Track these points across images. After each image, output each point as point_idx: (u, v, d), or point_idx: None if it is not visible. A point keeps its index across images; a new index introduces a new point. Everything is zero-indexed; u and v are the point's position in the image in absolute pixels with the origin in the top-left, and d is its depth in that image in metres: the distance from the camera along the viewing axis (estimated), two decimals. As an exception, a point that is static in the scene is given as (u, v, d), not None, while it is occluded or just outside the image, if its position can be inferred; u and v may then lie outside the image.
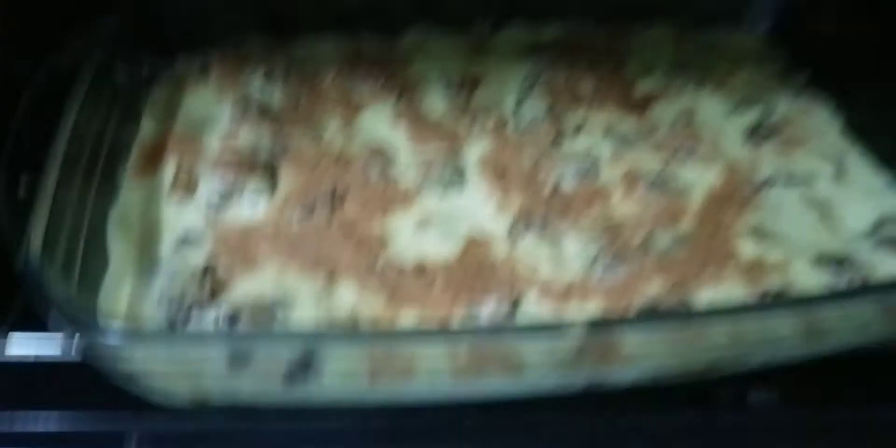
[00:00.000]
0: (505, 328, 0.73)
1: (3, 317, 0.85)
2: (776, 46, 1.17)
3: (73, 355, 0.77)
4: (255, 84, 1.04)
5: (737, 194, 0.92)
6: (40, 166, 0.79)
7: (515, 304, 0.79)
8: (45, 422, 0.76)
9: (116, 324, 0.68)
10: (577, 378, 0.74)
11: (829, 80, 1.07)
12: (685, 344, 0.71)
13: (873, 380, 0.83)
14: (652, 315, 0.73)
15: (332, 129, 0.99)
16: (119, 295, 0.78)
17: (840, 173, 0.97)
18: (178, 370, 0.66)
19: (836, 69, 1.07)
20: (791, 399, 0.82)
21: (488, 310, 0.78)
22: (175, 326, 0.74)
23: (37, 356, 0.80)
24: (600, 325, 0.66)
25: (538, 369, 0.72)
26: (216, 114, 1.00)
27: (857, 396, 0.82)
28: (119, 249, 0.82)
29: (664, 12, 1.20)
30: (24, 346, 0.82)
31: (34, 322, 0.81)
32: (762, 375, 0.81)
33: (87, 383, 0.71)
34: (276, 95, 1.04)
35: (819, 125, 1.03)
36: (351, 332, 0.73)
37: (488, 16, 1.20)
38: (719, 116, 1.05)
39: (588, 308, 0.79)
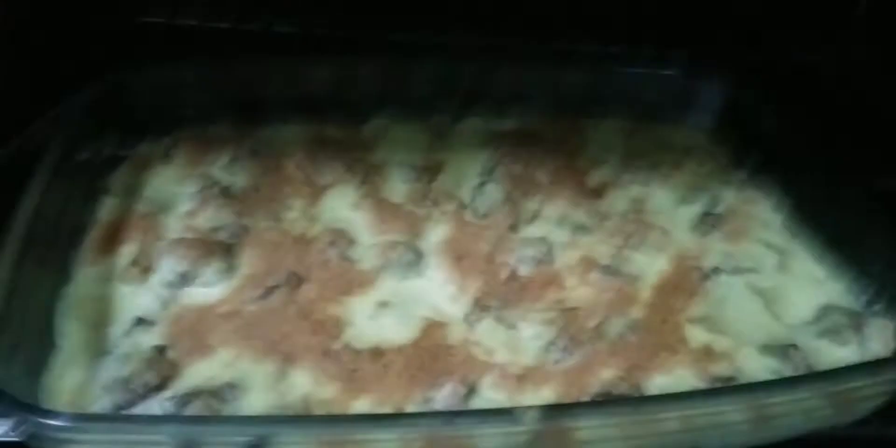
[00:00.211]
0: (460, 413, 0.73)
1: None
2: (720, 141, 1.23)
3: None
4: (220, 165, 1.06)
5: (686, 282, 0.95)
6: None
7: (471, 389, 0.79)
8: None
9: (62, 406, 0.65)
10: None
11: (772, 172, 1.13)
12: (638, 429, 0.71)
13: None
14: (605, 401, 0.73)
15: (295, 211, 1.01)
16: (66, 378, 0.75)
17: (783, 263, 1.01)
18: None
19: (778, 162, 1.13)
20: None
21: (444, 395, 0.78)
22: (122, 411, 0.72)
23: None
24: (555, 410, 0.67)
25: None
26: (178, 194, 1.01)
27: None
28: (69, 331, 0.81)
29: (614, 107, 1.27)
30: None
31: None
32: None
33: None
34: (240, 177, 1.06)
35: (763, 216, 1.08)
36: (304, 417, 0.71)
37: (450, 104, 1.25)
38: (668, 206, 1.09)
39: (543, 394, 0.79)
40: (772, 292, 0.96)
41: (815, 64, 1.44)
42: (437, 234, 1.00)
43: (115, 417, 0.69)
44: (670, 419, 0.72)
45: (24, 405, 0.62)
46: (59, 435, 0.61)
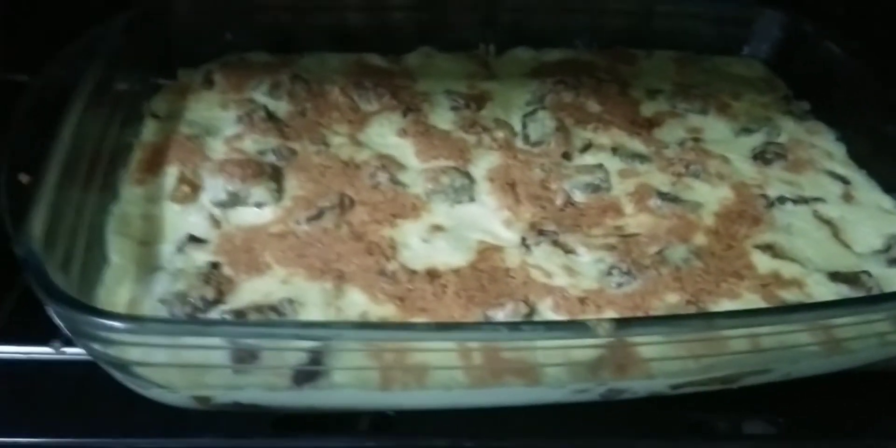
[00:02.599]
0: (528, 323, 0.71)
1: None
2: (780, 71, 1.18)
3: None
4: (263, 91, 1.03)
5: (750, 209, 0.91)
6: (40, 167, 0.77)
7: (532, 310, 0.77)
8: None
9: (113, 314, 0.63)
10: (595, 386, 0.71)
11: (835, 103, 1.09)
12: (708, 348, 0.69)
13: (869, 411, 0.81)
14: (680, 315, 0.71)
15: (342, 136, 0.98)
16: (119, 292, 0.74)
17: (849, 193, 0.97)
18: (183, 363, 0.62)
19: (841, 91, 1.08)
20: (786, 429, 0.80)
21: (505, 314, 0.75)
22: (179, 324, 0.70)
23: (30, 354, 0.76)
24: (629, 323, 0.64)
25: (555, 375, 0.69)
26: (221, 119, 0.99)
27: (850, 428, 0.81)
28: (119, 248, 0.79)
29: (666, 36, 1.22)
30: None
31: (21, 328, 0.79)
32: (758, 406, 0.80)
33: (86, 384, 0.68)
34: (283, 104, 1.03)
35: (826, 146, 1.04)
36: (365, 323, 0.69)
37: (494, 34, 1.21)
38: (727, 136, 1.05)
39: (606, 316, 0.76)
40: (839, 221, 0.92)
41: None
42: (487, 160, 0.97)
43: (176, 320, 0.67)
44: (740, 337, 0.69)
45: (87, 310, 0.59)
46: (121, 337, 0.59)
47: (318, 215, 0.85)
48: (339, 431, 0.78)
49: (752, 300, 0.79)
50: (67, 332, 0.63)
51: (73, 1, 1.11)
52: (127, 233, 0.81)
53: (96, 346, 0.61)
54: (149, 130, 0.96)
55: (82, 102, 0.85)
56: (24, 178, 0.78)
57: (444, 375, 0.67)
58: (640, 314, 0.77)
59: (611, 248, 0.85)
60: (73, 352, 0.78)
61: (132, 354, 0.62)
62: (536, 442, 0.79)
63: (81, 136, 0.81)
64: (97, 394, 0.75)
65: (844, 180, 0.99)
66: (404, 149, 0.98)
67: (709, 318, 0.69)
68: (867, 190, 0.98)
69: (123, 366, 0.63)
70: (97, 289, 0.74)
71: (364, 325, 0.69)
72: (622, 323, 0.64)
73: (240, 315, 0.71)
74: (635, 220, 0.90)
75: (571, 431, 0.80)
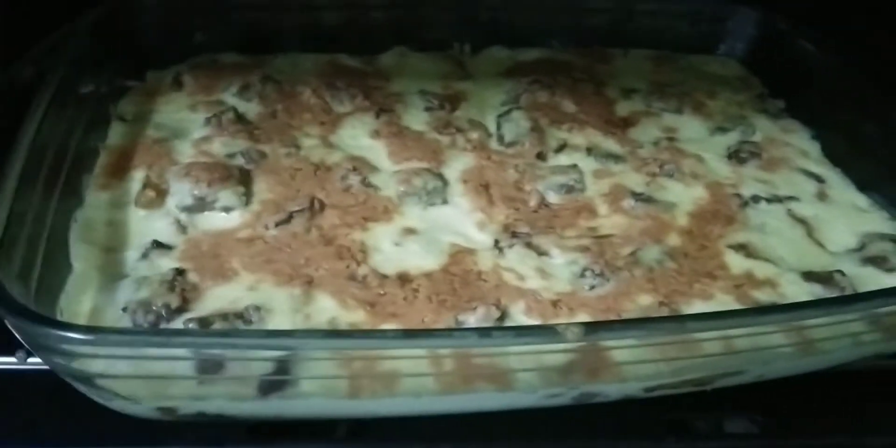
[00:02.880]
0: (498, 328, 0.70)
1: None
2: (755, 70, 1.18)
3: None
4: (232, 92, 1.01)
5: (723, 209, 0.91)
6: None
7: (504, 313, 0.76)
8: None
9: (72, 326, 0.62)
10: (568, 391, 0.71)
11: (809, 102, 1.08)
12: (680, 351, 0.68)
13: (849, 409, 0.81)
14: (650, 318, 0.70)
15: (313, 138, 0.96)
16: (82, 301, 0.72)
17: (823, 192, 0.97)
18: (146, 374, 0.61)
19: (815, 91, 1.08)
20: (767, 428, 0.80)
21: (476, 318, 0.74)
22: (142, 333, 0.69)
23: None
24: (598, 327, 0.63)
25: (526, 380, 0.69)
26: (190, 121, 0.97)
27: (831, 426, 0.80)
28: (83, 255, 0.77)
29: (642, 36, 1.22)
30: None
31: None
32: (739, 405, 0.80)
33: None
34: (253, 106, 1.01)
35: (800, 145, 1.04)
36: (332, 332, 0.68)
37: (466, 41, 1.20)
38: (702, 135, 1.05)
39: (579, 319, 0.76)
40: (813, 220, 0.92)
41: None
42: (461, 162, 0.96)
43: (138, 331, 0.66)
44: (713, 339, 0.68)
45: (46, 322, 0.58)
46: (81, 349, 0.58)
47: (288, 219, 0.83)
48: (315, 438, 0.77)
49: (725, 301, 0.79)
50: (27, 345, 0.61)
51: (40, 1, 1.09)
52: (91, 239, 0.79)
53: (55, 359, 0.60)
54: (115, 134, 0.94)
55: (45, 104, 0.83)
56: None
57: (413, 382, 0.66)
58: (612, 316, 0.76)
59: (584, 249, 0.84)
60: (38, 362, 0.76)
61: (93, 366, 0.60)
62: (517, 445, 0.78)
63: (43, 140, 0.80)
64: (63, 405, 0.73)
65: (819, 179, 0.99)
66: (377, 150, 0.97)
67: (680, 320, 0.69)
68: (842, 188, 0.98)
69: (84, 378, 0.62)
70: (59, 298, 0.72)
71: (331, 333, 0.68)
72: (591, 327, 0.63)
73: (205, 323, 0.70)
74: (609, 221, 0.89)
75: (551, 434, 0.79)
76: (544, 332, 0.64)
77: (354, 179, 0.90)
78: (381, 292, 0.77)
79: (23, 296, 0.63)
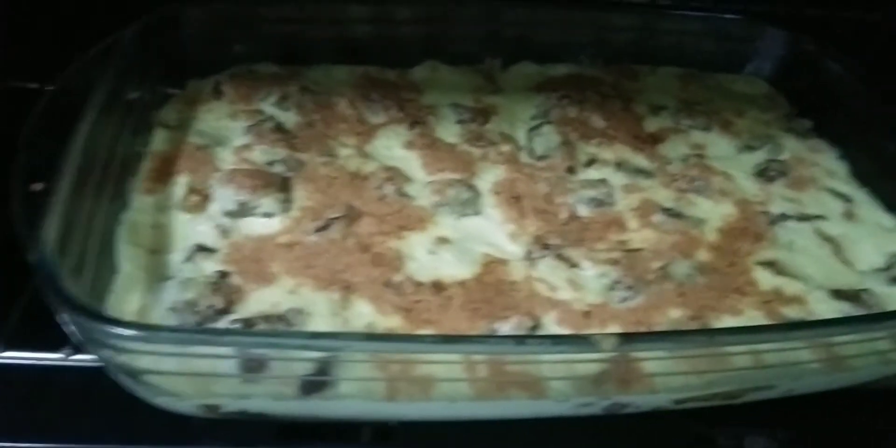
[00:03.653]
0: (533, 336, 0.71)
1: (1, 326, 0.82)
2: (782, 90, 1.20)
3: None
4: (271, 102, 1.04)
5: (752, 226, 0.92)
6: (53, 175, 0.78)
7: (536, 324, 0.77)
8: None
9: (127, 322, 0.64)
10: (599, 400, 0.72)
11: (836, 121, 1.10)
12: (710, 364, 0.70)
13: (870, 428, 0.82)
14: (684, 330, 0.71)
15: (349, 148, 0.99)
16: (129, 300, 0.75)
17: (851, 211, 0.98)
18: (189, 373, 0.63)
19: (843, 111, 1.10)
20: (787, 445, 0.81)
21: (509, 327, 0.76)
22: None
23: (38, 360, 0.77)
24: (633, 338, 0.65)
25: (560, 389, 0.70)
26: (230, 129, 1.00)
27: (852, 444, 0.81)
28: (129, 256, 0.80)
29: (670, 54, 1.24)
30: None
31: (31, 335, 0.80)
32: (759, 421, 0.81)
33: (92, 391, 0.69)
34: (291, 115, 1.04)
35: (828, 165, 1.05)
36: (373, 335, 0.70)
37: (495, 56, 1.22)
38: (730, 153, 1.06)
39: (610, 331, 0.77)
40: (840, 239, 0.93)
41: (875, 22, 1.39)
42: (493, 174, 0.98)
43: (185, 330, 0.68)
44: (743, 353, 0.69)
45: (98, 319, 0.60)
46: (136, 346, 0.60)
47: (326, 226, 0.86)
48: (343, 441, 0.79)
49: (754, 317, 0.80)
50: (79, 339, 0.63)
51: (84, 10, 1.12)
52: (137, 241, 0.82)
53: (108, 354, 0.62)
54: (159, 140, 0.97)
55: (95, 111, 0.85)
56: (36, 187, 0.78)
57: (449, 387, 0.68)
58: (643, 329, 0.77)
59: (614, 262, 0.86)
60: (81, 359, 0.78)
61: (143, 362, 0.62)
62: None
63: (94, 145, 0.82)
64: (102, 401, 0.76)
65: (846, 198, 1.00)
66: (410, 161, 0.99)
67: (712, 334, 0.70)
68: (869, 208, 0.99)
69: (134, 373, 0.64)
70: (107, 297, 0.74)
71: (373, 336, 0.70)
72: (627, 338, 0.64)
73: (248, 324, 0.72)
74: (639, 235, 0.91)
75: (573, 444, 0.80)
76: (580, 341, 0.65)
77: (389, 189, 0.92)
78: (417, 299, 0.79)
79: (78, 293, 0.65)
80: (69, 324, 0.62)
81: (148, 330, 0.61)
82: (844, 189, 1.01)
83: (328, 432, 0.79)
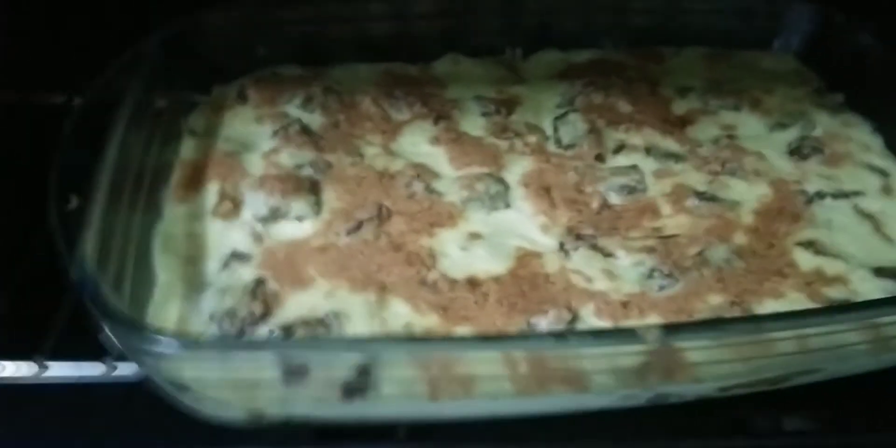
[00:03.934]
0: (574, 332, 0.71)
1: (41, 343, 0.83)
2: (808, 68, 1.17)
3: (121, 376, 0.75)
4: (296, 104, 1.04)
5: (789, 206, 0.91)
6: (85, 189, 0.79)
7: (575, 316, 0.77)
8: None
9: (172, 334, 0.65)
10: (643, 392, 0.71)
11: (869, 94, 1.07)
12: (756, 350, 0.69)
13: None
14: (728, 318, 0.70)
15: (375, 147, 0.99)
16: (169, 309, 0.76)
17: (888, 186, 0.96)
18: (234, 381, 0.64)
19: (876, 83, 1.07)
20: (827, 425, 0.80)
21: (548, 321, 0.76)
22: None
23: (80, 377, 0.78)
24: (677, 328, 0.64)
25: (603, 383, 0.70)
26: (257, 134, 1.00)
27: (893, 423, 0.80)
28: (166, 266, 0.81)
29: (693, 36, 1.21)
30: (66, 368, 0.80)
31: (71, 349, 0.81)
32: (798, 403, 0.80)
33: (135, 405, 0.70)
34: (316, 117, 1.04)
35: (862, 139, 1.03)
36: (412, 338, 0.70)
37: (516, 45, 1.21)
38: (761, 132, 1.04)
39: (650, 320, 0.77)
40: (880, 215, 0.91)
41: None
42: (521, 165, 0.97)
43: (228, 341, 0.69)
44: (788, 339, 0.68)
45: (141, 333, 0.61)
46: (178, 356, 0.61)
47: (358, 227, 0.86)
48: (377, 439, 0.79)
49: (796, 299, 0.79)
50: (122, 351, 0.64)
51: (106, 22, 1.13)
52: (172, 250, 0.83)
53: (154, 365, 0.63)
54: (188, 148, 0.97)
55: (124, 123, 0.86)
56: (73, 201, 0.80)
57: (491, 385, 0.67)
58: (683, 317, 0.77)
59: (650, 250, 0.85)
60: (119, 376, 0.79)
61: (188, 372, 0.63)
62: (580, 445, 0.79)
63: (125, 157, 0.83)
64: (143, 411, 0.76)
65: (883, 172, 0.97)
66: (437, 157, 0.98)
67: (757, 321, 0.69)
68: (908, 182, 0.97)
69: (179, 383, 0.65)
70: (147, 307, 0.75)
71: (415, 339, 0.70)
72: (670, 329, 0.64)
73: (288, 329, 0.72)
74: (673, 221, 0.89)
75: (613, 433, 0.80)
76: (623, 335, 0.64)
77: (418, 186, 0.92)
78: (452, 296, 0.79)
79: (120, 305, 0.66)
80: (113, 337, 0.63)
81: (192, 341, 0.61)
82: (881, 163, 0.99)
83: (365, 432, 0.79)
